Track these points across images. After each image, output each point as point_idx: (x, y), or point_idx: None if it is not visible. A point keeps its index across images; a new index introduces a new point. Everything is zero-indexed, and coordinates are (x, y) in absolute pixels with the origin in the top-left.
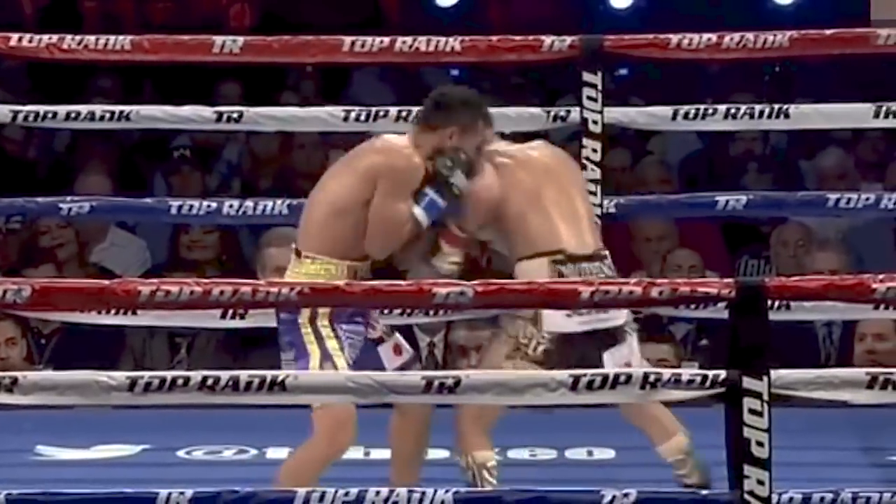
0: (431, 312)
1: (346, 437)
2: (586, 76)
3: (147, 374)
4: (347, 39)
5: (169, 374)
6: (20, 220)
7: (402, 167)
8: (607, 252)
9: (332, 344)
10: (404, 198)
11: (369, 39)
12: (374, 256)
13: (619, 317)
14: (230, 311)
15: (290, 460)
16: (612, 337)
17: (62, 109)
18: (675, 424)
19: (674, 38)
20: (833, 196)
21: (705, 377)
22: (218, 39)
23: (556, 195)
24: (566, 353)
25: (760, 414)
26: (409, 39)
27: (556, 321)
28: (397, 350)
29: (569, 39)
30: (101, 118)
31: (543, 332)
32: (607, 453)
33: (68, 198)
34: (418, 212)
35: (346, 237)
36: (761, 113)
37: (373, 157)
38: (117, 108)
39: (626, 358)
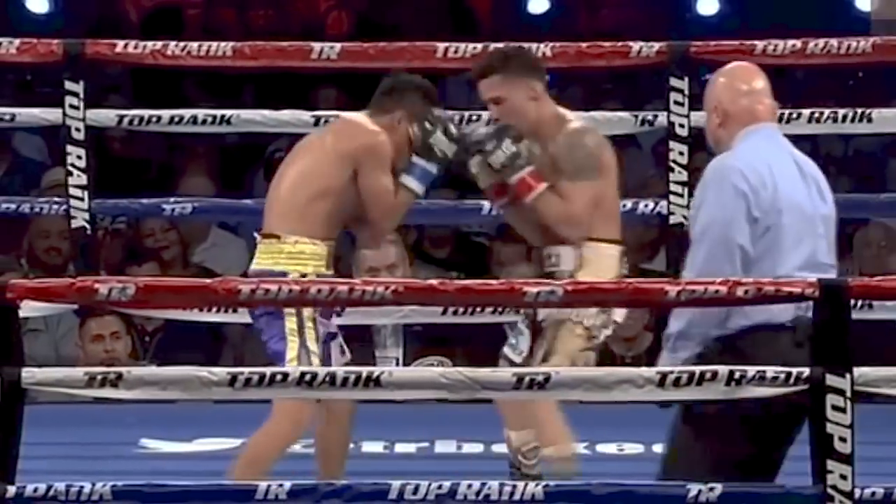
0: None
1: (306, 417)
2: (673, 81)
3: (247, 369)
4: (441, 45)
5: (268, 370)
6: (125, 221)
7: (375, 143)
8: None
9: (311, 341)
10: (386, 171)
11: (462, 45)
12: (385, 231)
13: None
14: None
15: (247, 449)
16: None
17: (165, 113)
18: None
19: (759, 44)
20: None
21: (789, 374)
22: (316, 46)
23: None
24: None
25: (843, 410)
26: (500, 45)
27: (622, 310)
28: (342, 350)
29: (656, 45)
30: (203, 122)
31: (614, 319)
32: None
33: (171, 199)
34: (411, 182)
35: (330, 219)
36: (844, 117)
37: (345, 140)
38: (218, 113)
39: None
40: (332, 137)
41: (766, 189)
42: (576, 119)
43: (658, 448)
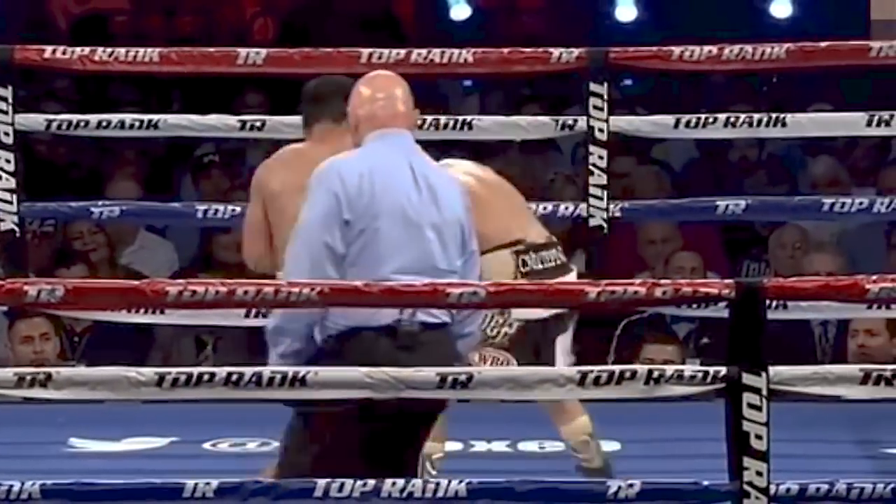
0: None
1: None
2: (593, 86)
3: (175, 370)
4: (365, 51)
5: (195, 371)
6: (53, 224)
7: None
8: (556, 240)
9: None
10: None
11: (386, 51)
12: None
13: None
14: (254, 311)
15: None
16: (563, 323)
17: (94, 118)
18: (578, 407)
19: (676, 49)
20: (828, 201)
21: (707, 373)
22: (242, 52)
23: (499, 194)
24: (526, 340)
25: (759, 408)
26: (423, 51)
27: (526, 309)
28: None
29: (576, 51)
30: (131, 126)
31: (512, 319)
32: (613, 445)
33: (100, 202)
34: None
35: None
36: (759, 122)
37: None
38: (146, 117)
39: (568, 344)
40: None
41: (361, 193)
42: None
43: None
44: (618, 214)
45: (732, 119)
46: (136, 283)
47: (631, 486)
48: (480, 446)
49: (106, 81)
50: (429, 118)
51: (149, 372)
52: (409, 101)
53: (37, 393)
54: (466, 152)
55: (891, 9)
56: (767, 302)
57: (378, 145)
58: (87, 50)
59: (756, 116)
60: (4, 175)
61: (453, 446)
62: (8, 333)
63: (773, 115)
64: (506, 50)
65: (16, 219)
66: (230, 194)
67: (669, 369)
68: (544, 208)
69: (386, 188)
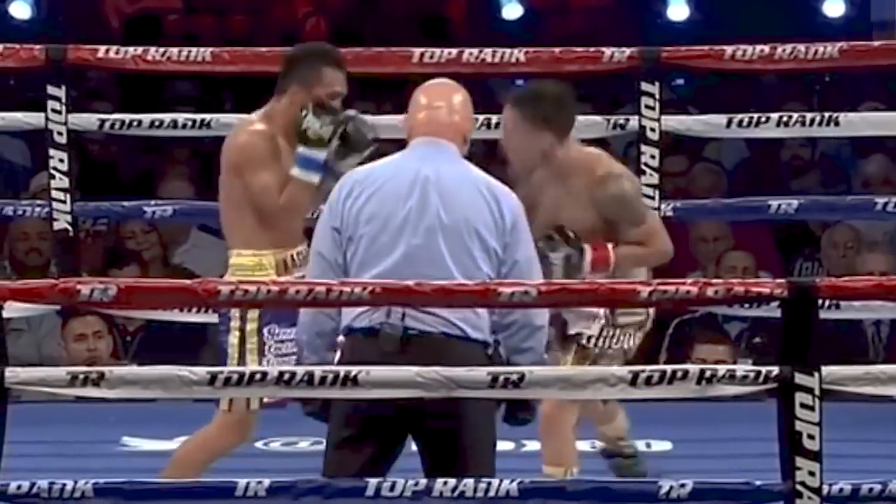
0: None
1: (243, 435)
2: (644, 86)
3: (227, 369)
4: (417, 51)
5: (247, 370)
6: (106, 223)
7: (241, 144)
8: None
9: (251, 357)
10: (259, 170)
11: (437, 51)
12: (287, 230)
13: None
14: None
15: (186, 447)
16: None
17: (146, 118)
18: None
19: (728, 49)
20: (881, 200)
21: (759, 373)
22: None
23: None
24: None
25: (812, 408)
26: (475, 51)
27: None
28: None
29: (628, 51)
30: (184, 126)
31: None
32: (664, 445)
33: (152, 202)
34: (297, 172)
35: (253, 229)
36: (812, 121)
37: (224, 150)
38: (198, 117)
39: None
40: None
41: (350, 201)
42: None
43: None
44: (670, 214)
45: (785, 118)
46: (188, 282)
47: (683, 485)
48: (532, 445)
49: (152, 80)
50: (480, 118)
51: (201, 371)
52: (465, 109)
53: (89, 392)
54: None
55: (891, 9)
56: (820, 301)
57: (406, 153)
58: (139, 49)
59: (809, 116)
60: (58, 174)
61: (505, 446)
62: (61, 332)
63: (826, 115)
64: (557, 49)
65: (69, 218)
66: None
67: (721, 369)
68: None
69: (377, 195)
